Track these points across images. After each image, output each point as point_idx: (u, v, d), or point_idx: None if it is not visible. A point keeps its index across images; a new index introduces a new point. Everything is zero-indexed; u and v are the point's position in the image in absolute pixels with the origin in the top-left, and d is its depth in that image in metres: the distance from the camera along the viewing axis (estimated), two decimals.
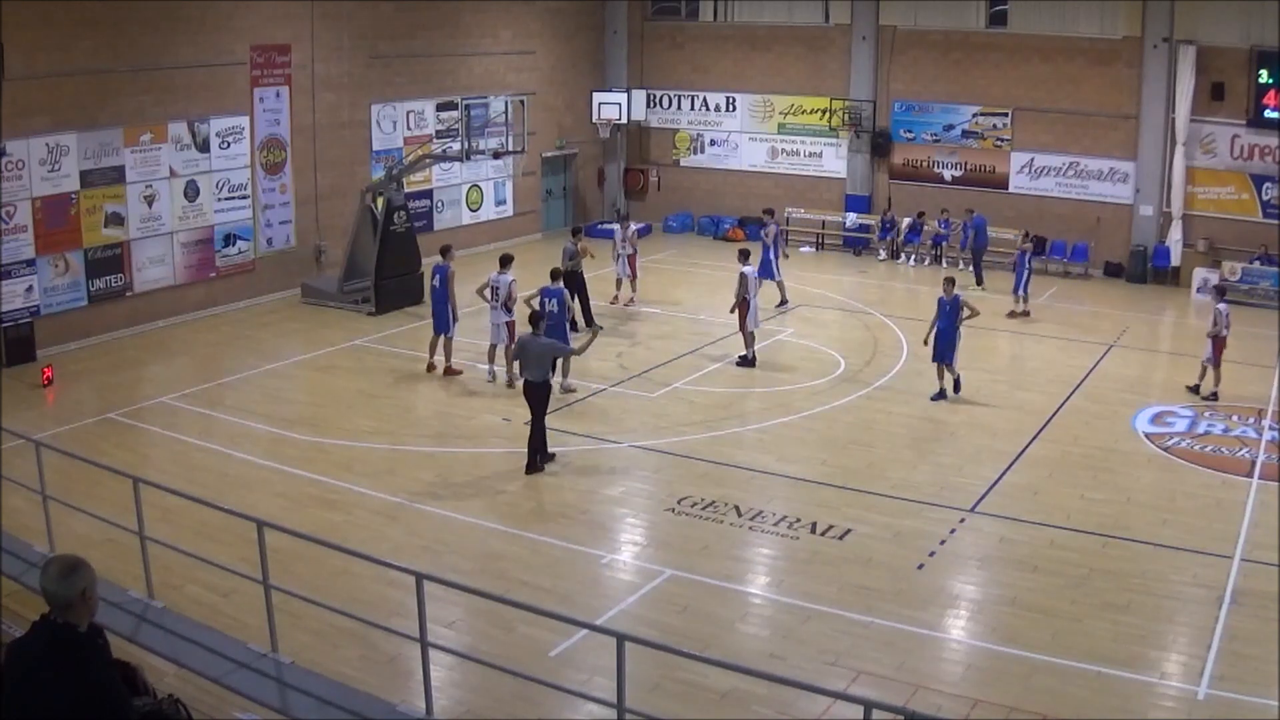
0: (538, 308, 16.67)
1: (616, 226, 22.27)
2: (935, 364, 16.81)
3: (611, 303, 21.72)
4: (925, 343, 16.93)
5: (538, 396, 13.74)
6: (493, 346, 17.21)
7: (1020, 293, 21.62)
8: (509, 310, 16.89)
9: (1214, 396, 16.81)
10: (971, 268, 24.66)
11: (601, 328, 19.93)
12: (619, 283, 21.92)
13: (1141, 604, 10.73)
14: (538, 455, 13.83)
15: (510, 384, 14.03)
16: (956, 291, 16.76)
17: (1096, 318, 21.91)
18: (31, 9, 17.29)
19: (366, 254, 21.53)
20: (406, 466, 14.14)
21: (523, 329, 15.07)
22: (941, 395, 16.63)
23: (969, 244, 25.02)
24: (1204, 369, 17.04)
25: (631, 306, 21.80)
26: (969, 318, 16.74)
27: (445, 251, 18.43)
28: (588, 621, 9.38)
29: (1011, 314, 21.70)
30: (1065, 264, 25.79)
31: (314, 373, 18.11)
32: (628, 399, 16.72)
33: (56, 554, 8.13)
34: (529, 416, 13.81)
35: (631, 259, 21.78)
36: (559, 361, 16.73)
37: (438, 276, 17.86)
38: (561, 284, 17.04)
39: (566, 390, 16.71)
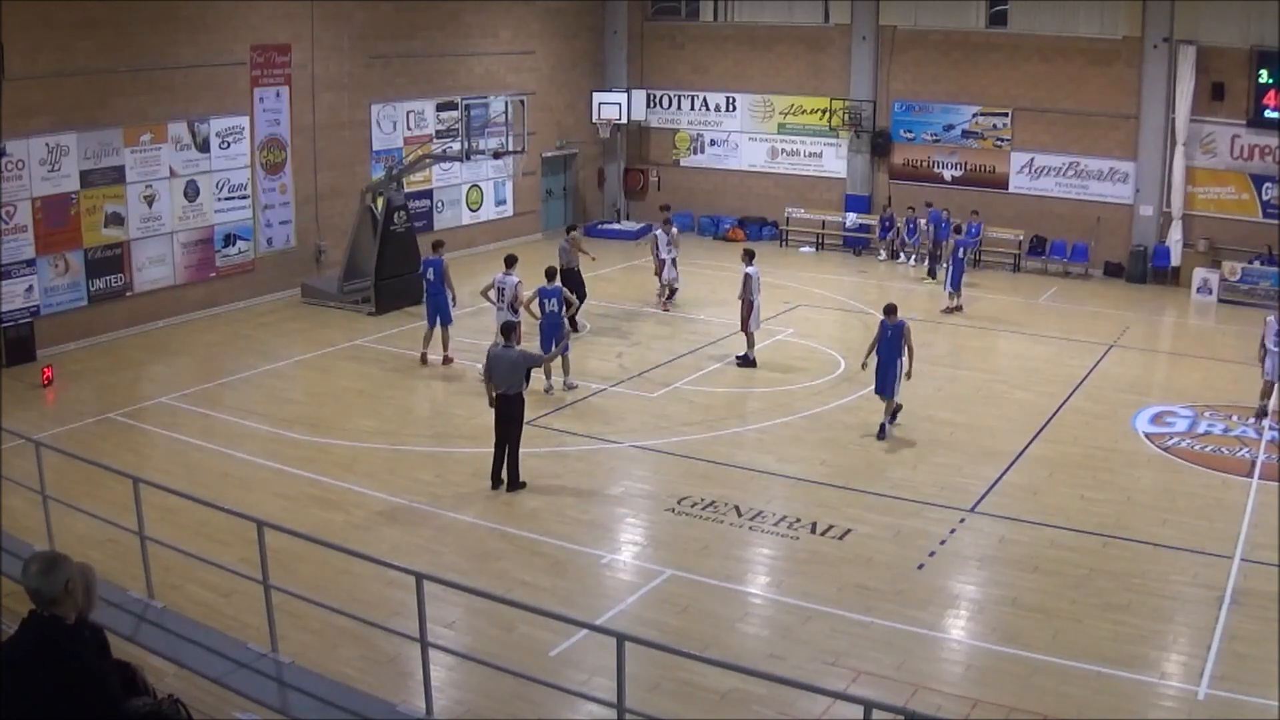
0: (537, 310, 16.70)
1: (660, 230, 21.76)
2: (878, 396, 15.29)
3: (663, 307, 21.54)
4: (863, 366, 15.49)
5: (513, 411, 13.14)
6: None
7: (950, 288, 21.76)
8: (514, 311, 16.81)
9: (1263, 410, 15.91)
10: (927, 261, 25.10)
11: (586, 326, 19.87)
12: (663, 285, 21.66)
13: (1141, 604, 10.73)
14: (509, 478, 13.23)
15: (491, 403, 13.32)
16: (900, 318, 15.16)
17: (1096, 318, 21.91)
18: (31, 9, 17.29)
19: (366, 254, 21.53)
20: (406, 466, 14.14)
21: (527, 332, 14.90)
22: (883, 434, 15.10)
23: (927, 237, 25.34)
24: (1269, 385, 15.91)
25: (667, 310, 21.50)
26: (909, 357, 15.00)
27: (438, 246, 18.54)
28: (588, 621, 9.38)
29: (947, 309, 21.81)
30: (1065, 264, 25.80)
31: (314, 373, 18.11)
32: (628, 399, 16.72)
33: (37, 551, 8.11)
34: (542, 413, 13.44)
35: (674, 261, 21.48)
36: (561, 362, 16.75)
37: (432, 270, 17.98)
38: (559, 283, 17.01)
39: (569, 388, 16.74)
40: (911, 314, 21.58)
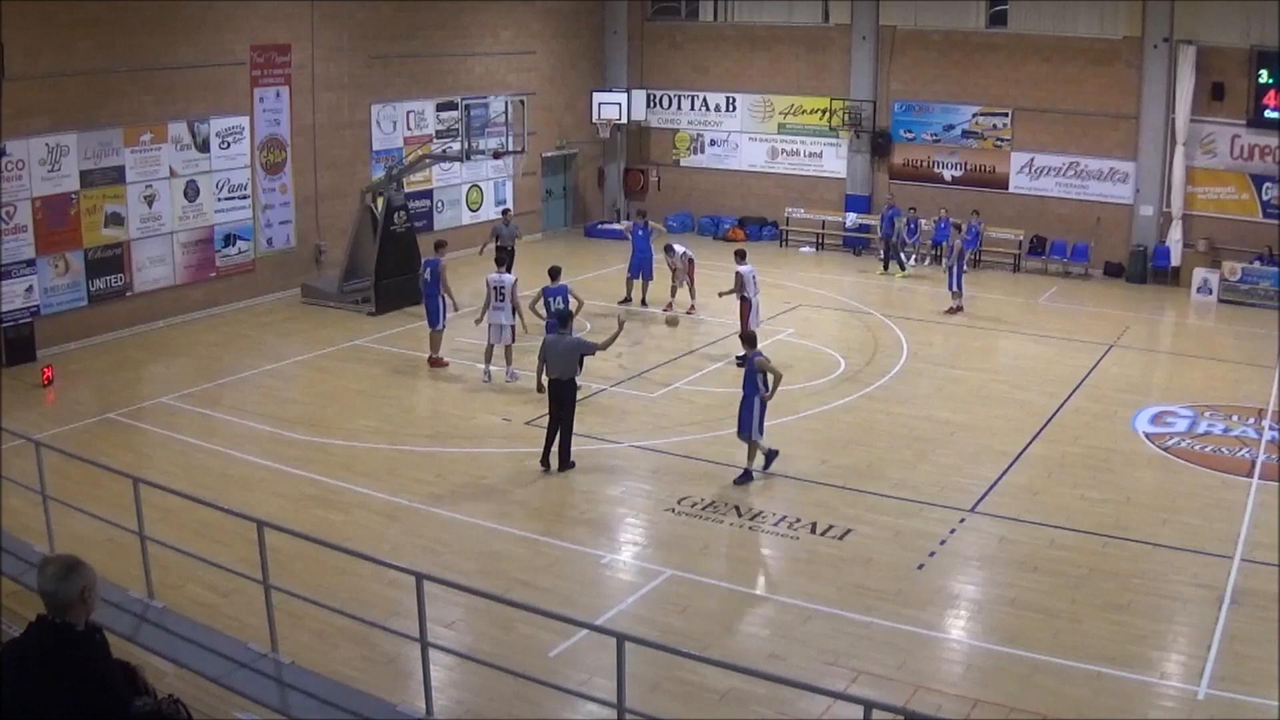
0: (543, 310, 16.68)
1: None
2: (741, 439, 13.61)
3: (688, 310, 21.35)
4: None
5: (566, 395, 13.64)
6: (490, 347, 17.18)
7: (954, 288, 21.76)
8: (514, 312, 16.87)
9: None
10: (889, 254, 25.37)
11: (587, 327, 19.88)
12: (674, 290, 21.51)
13: (1141, 604, 10.72)
14: (560, 459, 13.72)
15: (539, 388, 13.93)
16: (754, 351, 13.52)
17: (1096, 318, 21.90)
18: (31, 9, 17.29)
19: (366, 254, 21.54)
20: (406, 466, 14.14)
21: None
22: (746, 477, 13.52)
23: (898, 234, 25.50)
24: None
25: (692, 314, 21.12)
26: (772, 388, 13.36)
27: (439, 246, 18.53)
28: (588, 621, 9.38)
29: (949, 310, 21.80)
30: (1065, 264, 25.78)
31: (314, 373, 18.10)
32: (628, 399, 16.72)
33: (53, 554, 8.12)
34: (542, 413, 13.74)
35: (691, 265, 21.25)
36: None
37: (428, 270, 18.03)
38: (563, 282, 16.97)
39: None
40: (912, 313, 21.75)
